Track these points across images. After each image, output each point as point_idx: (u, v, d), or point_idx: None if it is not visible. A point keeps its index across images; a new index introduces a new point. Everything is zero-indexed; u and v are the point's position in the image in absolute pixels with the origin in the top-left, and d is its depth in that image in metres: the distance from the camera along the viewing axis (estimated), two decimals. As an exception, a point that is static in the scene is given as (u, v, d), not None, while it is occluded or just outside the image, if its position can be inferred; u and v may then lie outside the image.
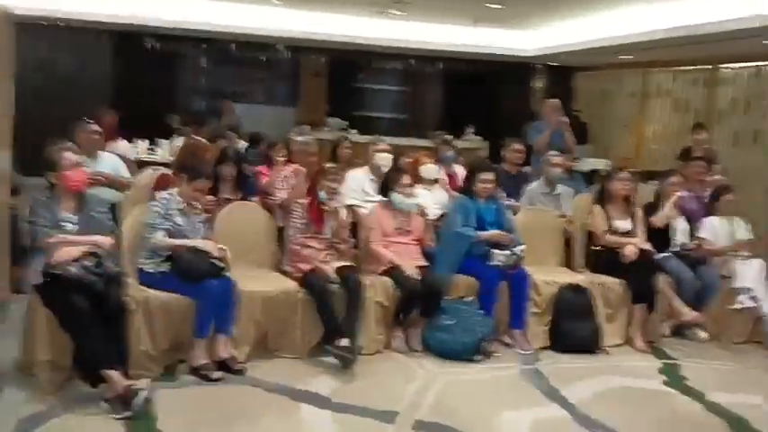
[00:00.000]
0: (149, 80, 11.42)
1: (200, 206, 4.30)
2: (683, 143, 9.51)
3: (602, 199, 5.25)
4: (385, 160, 5.73)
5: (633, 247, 4.96)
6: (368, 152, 6.09)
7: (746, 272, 5.06)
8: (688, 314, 4.91)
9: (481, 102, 12.32)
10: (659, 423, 3.74)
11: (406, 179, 4.77)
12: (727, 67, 9.10)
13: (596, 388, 4.16)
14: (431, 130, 12.35)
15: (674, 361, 4.70)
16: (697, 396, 4.08)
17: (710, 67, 9.37)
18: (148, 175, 6.05)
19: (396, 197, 4.75)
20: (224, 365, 3.98)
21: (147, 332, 3.92)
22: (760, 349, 5.01)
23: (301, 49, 11.55)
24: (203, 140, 5.88)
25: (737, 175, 8.46)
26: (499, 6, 8.41)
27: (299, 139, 5.60)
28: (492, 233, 4.74)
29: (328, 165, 4.81)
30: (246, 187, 5.20)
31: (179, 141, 8.58)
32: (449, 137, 11.44)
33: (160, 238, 4.03)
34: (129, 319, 3.74)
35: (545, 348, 4.77)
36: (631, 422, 3.70)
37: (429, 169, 5.51)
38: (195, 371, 3.94)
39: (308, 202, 4.60)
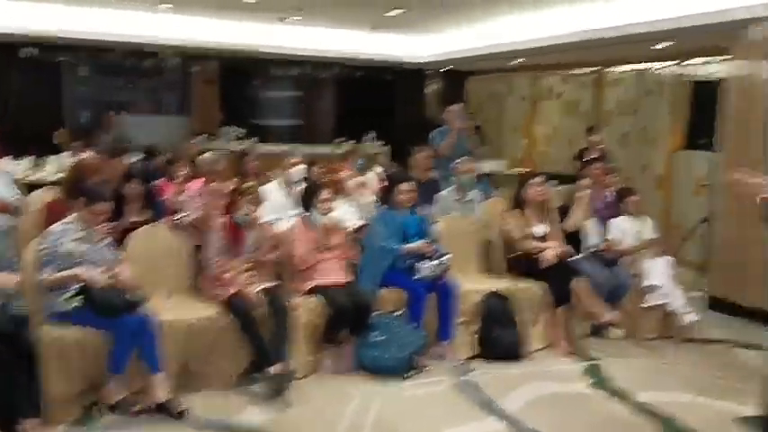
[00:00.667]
0: (28, 92, 10.68)
1: (102, 231, 3.99)
2: (575, 145, 9.93)
3: (519, 204, 5.33)
4: (300, 173, 5.59)
5: (552, 251, 5.07)
6: (268, 162, 5.98)
7: (655, 269, 5.27)
8: (606, 314, 5.07)
9: (378, 107, 12.35)
10: (593, 427, 3.80)
11: (325, 194, 4.63)
12: (613, 70, 9.55)
13: (528, 396, 4.18)
14: (328, 137, 12.29)
15: (597, 361, 4.82)
16: (625, 397, 4.18)
17: (598, 69, 9.81)
18: (39, 196, 5.63)
19: (314, 214, 4.60)
20: (164, 409, 3.70)
21: (63, 373, 3.60)
22: (671, 344, 5.23)
23: (192, 57, 11.12)
24: (92, 158, 5.46)
25: (629, 174, 8.92)
26: (396, 13, 8.43)
27: (206, 156, 5.31)
28: (416, 245, 4.70)
29: (247, 183, 4.58)
30: (155, 207, 4.90)
31: (67, 158, 8.05)
32: (348, 142, 11.46)
33: (44, 276, 3.69)
34: (41, 362, 3.40)
35: (473, 357, 4.77)
36: (566, 428, 3.76)
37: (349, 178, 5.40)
38: (113, 408, 3.67)
39: (224, 222, 4.38)
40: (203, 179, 5.34)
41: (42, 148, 8.42)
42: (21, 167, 7.66)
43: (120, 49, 10.47)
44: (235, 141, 11.51)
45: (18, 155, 7.62)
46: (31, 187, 6.14)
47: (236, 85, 12.26)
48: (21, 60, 10.07)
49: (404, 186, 4.79)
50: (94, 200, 3.87)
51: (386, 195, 4.89)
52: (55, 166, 7.68)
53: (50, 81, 11.06)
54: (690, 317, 5.19)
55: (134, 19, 9.44)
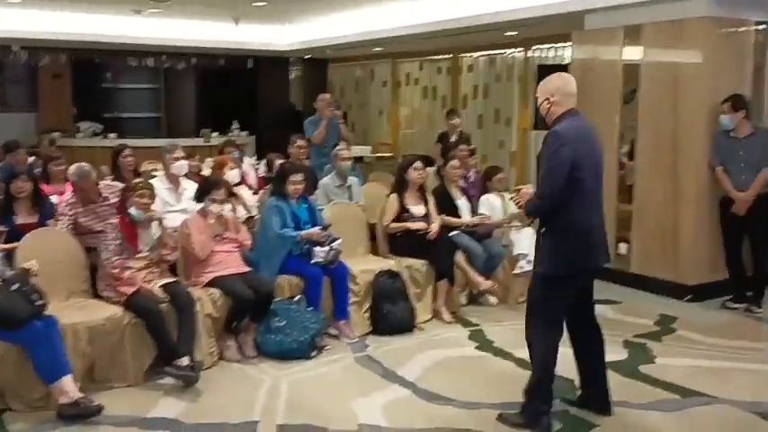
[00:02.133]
0: None
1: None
2: (436, 127, 10.49)
3: (399, 188, 5.67)
4: (182, 168, 5.58)
5: (435, 225, 5.45)
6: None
7: (522, 239, 5.82)
8: (483, 283, 5.55)
9: (240, 96, 12.31)
10: (487, 383, 4.23)
11: (217, 195, 4.69)
12: (467, 56, 10.16)
13: (424, 363, 4.56)
14: (190, 129, 12.09)
15: (477, 327, 5.30)
16: (507, 356, 4.66)
17: (452, 56, 10.39)
18: None
19: (210, 206, 4.67)
20: (79, 407, 3.68)
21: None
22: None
23: (39, 50, 10.52)
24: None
25: (485, 154, 9.59)
26: (261, 4, 8.49)
27: (75, 167, 5.03)
28: (311, 231, 4.91)
29: (135, 180, 4.57)
30: (44, 208, 4.75)
31: None
32: (214, 133, 11.36)
33: None
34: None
35: (368, 334, 5.08)
36: (463, 388, 4.13)
37: (233, 174, 5.49)
38: (65, 415, 3.65)
39: (119, 221, 4.37)
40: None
41: None
42: None
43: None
44: (92, 137, 11.08)
45: None
46: None
47: (89, 78, 11.75)
48: None
49: (295, 177, 4.97)
50: None
51: (277, 186, 5.04)
52: None
53: None
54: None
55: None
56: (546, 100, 3.49)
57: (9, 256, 4.14)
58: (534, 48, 8.92)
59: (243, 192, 5.86)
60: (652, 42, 6.21)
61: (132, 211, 4.35)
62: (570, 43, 7.21)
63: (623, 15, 6.37)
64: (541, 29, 7.90)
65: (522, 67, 9.13)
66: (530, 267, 5.67)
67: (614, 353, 4.68)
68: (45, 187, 5.48)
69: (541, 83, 3.59)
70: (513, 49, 9.30)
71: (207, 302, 4.45)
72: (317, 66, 12.67)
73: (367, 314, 5.14)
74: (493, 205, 5.99)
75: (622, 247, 6.56)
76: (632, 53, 6.39)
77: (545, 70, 7.93)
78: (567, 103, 3.46)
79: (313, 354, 4.61)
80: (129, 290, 4.21)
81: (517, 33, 8.43)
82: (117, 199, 4.68)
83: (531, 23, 7.47)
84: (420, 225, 5.44)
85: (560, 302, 3.52)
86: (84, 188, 4.75)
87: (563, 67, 7.37)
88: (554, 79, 3.55)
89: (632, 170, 6.57)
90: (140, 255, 4.38)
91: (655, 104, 6.19)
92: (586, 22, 6.81)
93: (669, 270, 6.10)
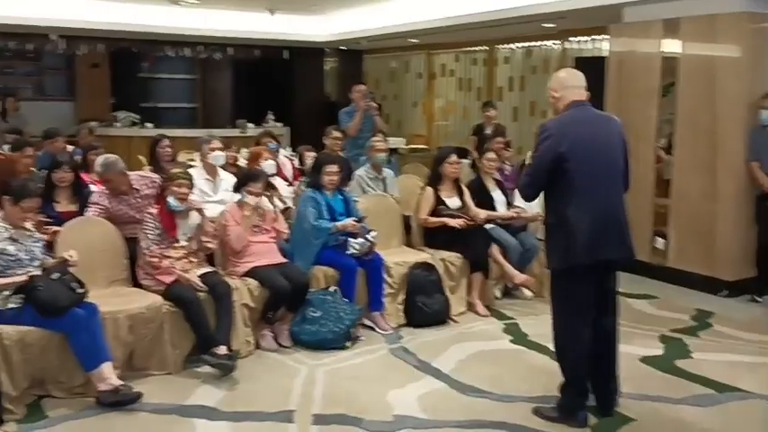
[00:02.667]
0: None
1: (32, 228, 3.96)
2: (471, 119, 10.44)
3: (434, 180, 5.65)
4: (220, 159, 5.64)
5: (462, 221, 5.42)
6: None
7: (558, 234, 5.77)
8: (518, 276, 5.52)
9: (276, 87, 12.36)
10: (522, 376, 4.21)
11: (254, 188, 4.71)
12: (503, 48, 10.07)
13: (458, 356, 4.56)
14: (225, 119, 12.19)
15: (512, 320, 5.28)
16: (542, 349, 4.63)
17: (488, 48, 10.31)
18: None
19: (246, 197, 4.71)
20: (119, 394, 3.74)
21: (5, 372, 3.58)
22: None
23: (77, 39, 10.68)
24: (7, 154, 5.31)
25: (522, 145, 9.51)
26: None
27: (101, 158, 5.05)
28: (345, 223, 4.92)
29: (174, 170, 4.61)
30: (83, 197, 4.84)
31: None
32: (250, 124, 11.45)
33: None
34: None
35: (402, 326, 5.09)
36: (498, 381, 4.13)
37: (268, 165, 5.53)
38: (103, 401, 3.72)
39: (157, 210, 4.43)
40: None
41: None
42: None
43: (-1, 32, 9.93)
44: (130, 127, 11.22)
45: None
46: None
47: (127, 68, 11.90)
48: None
49: (329, 168, 4.98)
50: (23, 197, 3.82)
51: (313, 177, 5.06)
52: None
53: None
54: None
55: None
56: (551, 96, 3.54)
57: (50, 244, 4.21)
58: (571, 40, 8.81)
59: (278, 183, 5.91)
60: (690, 36, 6.11)
61: (171, 200, 4.40)
62: (608, 36, 7.10)
63: (662, 9, 6.29)
64: (579, 21, 7.80)
65: (559, 59, 9.02)
66: (566, 261, 5.70)
67: (651, 347, 4.69)
68: (84, 176, 5.58)
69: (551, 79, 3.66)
70: (550, 41, 9.20)
71: (244, 292, 4.50)
72: (352, 57, 12.66)
73: (401, 306, 5.15)
74: (528, 198, 5.93)
75: (659, 242, 6.48)
76: (670, 46, 6.28)
77: (582, 62, 7.91)
78: (570, 96, 3.46)
79: (348, 344, 4.64)
80: (168, 279, 4.27)
81: (555, 25, 8.34)
82: (150, 190, 4.75)
83: (569, 15, 7.38)
84: (458, 222, 5.39)
85: (576, 296, 3.45)
86: (111, 179, 4.76)
87: (600, 60, 7.29)
88: (559, 73, 3.62)
89: (669, 164, 6.47)
90: (179, 244, 4.43)
91: (692, 98, 6.10)
92: (624, 15, 6.73)
93: (706, 265, 6.02)
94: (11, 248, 3.77)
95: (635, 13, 6.55)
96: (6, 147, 7.07)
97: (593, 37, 8.46)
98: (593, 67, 7.30)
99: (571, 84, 3.49)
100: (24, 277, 3.69)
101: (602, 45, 8.24)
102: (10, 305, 3.71)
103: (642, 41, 6.48)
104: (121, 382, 3.78)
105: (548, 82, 3.62)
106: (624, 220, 3.48)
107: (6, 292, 3.72)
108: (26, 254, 3.83)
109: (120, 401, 3.71)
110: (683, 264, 6.22)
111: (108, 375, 3.76)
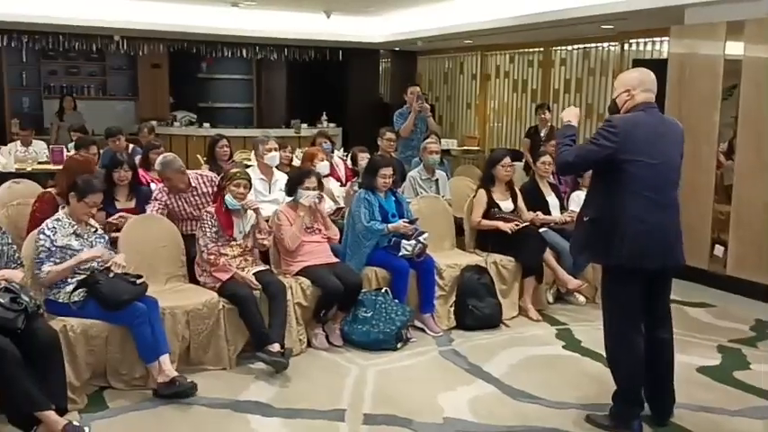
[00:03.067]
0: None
1: (94, 222, 4.09)
2: (524, 122, 10.35)
3: (486, 183, 5.62)
4: (274, 159, 5.73)
5: (513, 224, 5.36)
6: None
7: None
8: (572, 282, 5.45)
9: (330, 88, 12.47)
10: (574, 385, 4.15)
11: (310, 182, 4.79)
12: (559, 49, 9.95)
13: (510, 360, 4.53)
14: (280, 120, 12.37)
15: (565, 326, 5.22)
16: (595, 356, 4.56)
17: (543, 49, 10.20)
18: (10, 190, 5.63)
19: (304, 193, 4.76)
20: (175, 385, 3.85)
21: (69, 363, 3.70)
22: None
23: (139, 40, 10.99)
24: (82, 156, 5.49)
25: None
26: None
27: (160, 157, 5.21)
28: (398, 224, 4.93)
29: (233, 169, 4.70)
30: (140, 194, 4.99)
31: (19, 148, 7.94)
32: (303, 125, 11.58)
33: (46, 271, 3.81)
34: (61, 353, 3.51)
35: (453, 328, 5.08)
36: (550, 387, 4.08)
37: (322, 166, 5.59)
38: (161, 393, 3.83)
39: (216, 209, 4.53)
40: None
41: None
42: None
43: (62, 32, 10.27)
44: (188, 126, 11.48)
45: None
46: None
47: (185, 68, 12.18)
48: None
49: (384, 171, 5.01)
50: (87, 193, 3.95)
51: (367, 178, 5.09)
52: (8, 157, 7.56)
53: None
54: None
55: (79, 2, 9.27)
56: (626, 92, 3.44)
57: (114, 240, 4.35)
58: (630, 41, 8.64)
59: (331, 184, 5.97)
60: (754, 38, 5.91)
61: (229, 199, 4.49)
62: (668, 38, 6.95)
63: (725, 10, 6.12)
64: (639, 22, 7.65)
65: (618, 61, 8.85)
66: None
67: (708, 357, 4.59)
68: (145, 174, 5.74)
69: (622, 75, 3.65)
70: (608, 43, 9.04)
71: (297, 291, 4.56)
72: (406, 58, 12.68)
73: (452, 308, 5.14)
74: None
75: (718, 249, 6.30)
76: (734, 48, 6.11)
77: (641, 65, 7.72)
78: (642, 97, 3.41)
79: (399, 345, 4.66)
80: (224, 276, 4.36)
81: (613, 27, 8.20)
82: (208, 188, 4.86)
83: (630, 17, 7.25)
84: (510, 226, 5.35)
85: (621, 298, 3.42)
86: (169, 177, 4.90)
87: (660, 62, 7.14)
88: (635, 73, 3.57)
89: (730, 169, 6.29)
90: (235, 242, 4.52)
91: (755, 102, 5.91)
92: (687, 17, 6.57)
93: (766, 274, 5.83)
94: (75, 243, 3.91)
95: (697, 15, 6.40)
96: (71, 144, 7.36)
97: (652, 39, 8.28)
98: (652, 70, 7.13)
99: (645, 85, 3.44)
100: (73, 262, 3.84)
101: (662, 47, 8.06)
102: (74, 299, 3.85)
103: (705, 43, 6.32)
104: (177, 374, 3.88)
105: (621, 79, 3.57)
106: (675, 229, 3.41)
107: (70, 287, 3.86)
108: (87, 247, 3.95)
109: (177, 393, 3.81)
110: (742, 272, 6.04)
111: (166, 367, 3.87)
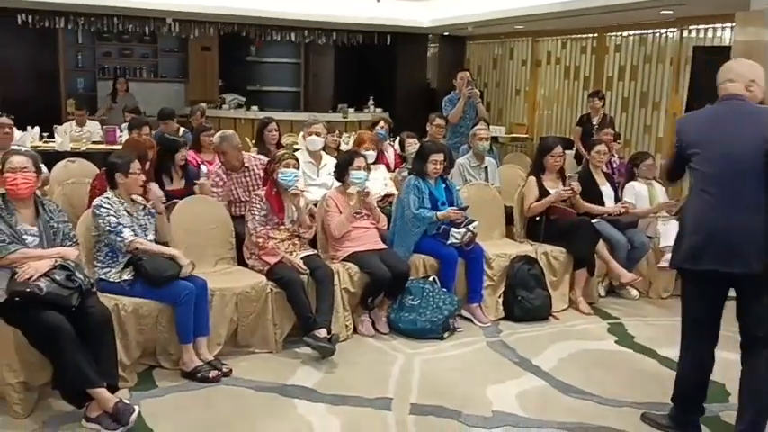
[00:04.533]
0: (22, 59, 10.62)
1: (141, 200, 4.09)
2: (576, 109, 10.11)
3: (537, 170, 5.50)
4: (317, 143, 5.69)
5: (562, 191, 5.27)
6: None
7: (669, 231, 5.47)
8: (626, 275, 5.30)
9: (377, 73, 12.39)
10: (627, 382, 4.03)
11: (360, 162, 4.75)
12: (614, 35, 9.67)
13: (560, 354, 4.42)
14: (327, 104, 12.34)
15: (617, 320, 5.08)
16: (650, 353, 4.44)
17: (597, 35, 9.92)
18: (66, 169, 5.72)
19: (354, 173, 4.69)
20: (212, 368, 3.89)
21: (120, 341, 3.72)
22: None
23: (189, 23, 11.05)
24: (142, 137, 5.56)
25: (630, 138, 9.15)
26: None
27: (220, 132, 5.30)
28: (448, 212, 4.84)
29: (282, 151, 4.68)
30: (190, 175, 5.02)
31: (74, 128, 8.08)
32: (350, 109, 11.54)
33: (132, 237, 3.83)
34: (113, 331, 3.54)
35: (501, 319, 4.99)
36: (602, 384, 3.97)
37: (369, 155, 5.51)
38: (191, 375, 3.85)
39: (266, 192, 4.50)
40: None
41: (42, 116, 8.44)
42: (27, 138, 7.56)
43: (117, 15, 10.40)
44: (236, 109, 11.54)
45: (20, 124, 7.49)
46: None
47: (235, 51, 12.22)
48: (18, 27, 9.97)
49: (434, 157, 4.92)
50: (128, 165, 3.94)
51: (417, 165, 5.01)
52: (65, 137, 7.68)
53: (48, 48, 11.00)
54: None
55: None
56: (753, 85, 3.22)
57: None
58: (690, 28, 8.33)
59: (380, 170, 5.90)
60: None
61: (281, 176, 4.40)
62: (732, 24, 6.67)
63: (797, -6, 5.83)
64: (701, 7, 7.36)
65: (676, 48, 8.56)
66: (676, 261, 5.42)
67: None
68: (196, 156, 5.77)
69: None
70: (666, 29, 8.74)
71: (345, 276, 4.52)
72: (455, 43, 12.50)
73: (500, 299, 5.05)
74: (639, 193, 5.70)
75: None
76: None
77: (702, 52, 7.48)
78: (723, 90, 3.21)
79: (446, 334, 4.59)
80: (273, 260, 4.34)
81: (672, 12, 7.91)
82: (259, 171, 4.85)
83: (690, 2, 6.98)
84: (561, 194, 5.25)
85: (687, 303, 3.32)
86: (226, 151, 4.97)
87: (723, 49, 6.87)
88: (726, 65, 3.32)
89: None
90: (283, 226, 4.50)
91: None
92: (753, 2, 6.28)
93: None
94: (126, 220, 3.92)
95: (765, 0, 6.10)
96: (124, 125, 7.44)
97: (714, 25, 7.96)
98: (714, 58, 6.89)
99: (727, 76, 3.22)
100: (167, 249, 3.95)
101: (725, 34, 7.75)
102: (124, 277, 3.88)
103: (772, 30, 6.04)
104: (212, 358, 3.94)
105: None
106: (746, 230, 3.05)
107: (120, 266, 3.89)
108: (138, 224, 3.97)
109: (207, 378, 3.83)
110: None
111: (202, 350, 3.92)
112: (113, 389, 3.40)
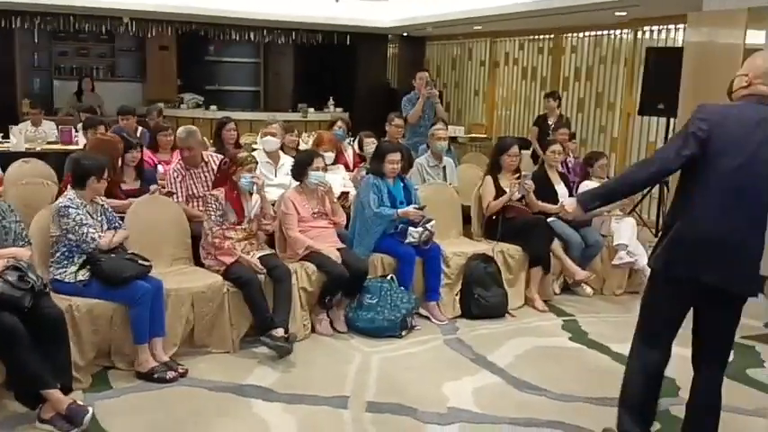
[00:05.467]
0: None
1: (101, 199, 4.05)
2: (533, 110, 10.25)
3: (493, 170, 5.57)
4: (271, 144, 5.68)
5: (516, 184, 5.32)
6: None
7: (622, 230, 5.63)
8: (580, 273, 5.40)
9: (337, 73, 12.39)
10: (580, 377, 4.11)
11: (318, 162, 4.76)
12: (570, 36, 9.83)
13: (515, 351, 4.48)
14: (286, 103, 12.31)
15: (572, 317, 5.17)
16: (603, 349, 4.53)
17: (554, 36, 10.08)
18: (20, 169, 5.62)
19: (313, 174, 4.70)
20: (168, 369, 3.85)
21: (74, 342, 3.67)
22: (636, 299, 5.59)
23: (146, 22, 10.91)
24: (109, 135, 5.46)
25: (586, 138, 9.31)
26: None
27: (183, 127, 5.30)
28: (407, 210, 4.87)
29: (242, 154, 4.65)
30: (145, 176, 4.96)
31: (30, 128, 7.93)
32: (310, 109, 11.52)
33: (98, 236, 3.81)
34: (66, 332, 3.49)
35: (458, 317, 5.04)
36: (556, 379, 4.04)
37: (327, 157, 5.51)
38: (146, 376, 3.81)
39: (225, 193, 4.47)
40: (179, 153, 5.32)
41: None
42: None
43: (73, 14, 10.22)
44: (195, 109, 11.44)
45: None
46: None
47: (193, 50, 12.11)
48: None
49: (392, 156, 4.95)
50: (104, 169, 3.92)
51: (375, 164, 5.03)
52: (19, 137, 7.52)
53: (3, 47, 10.76)
54: (654, 273, 5.53)
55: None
56: (745, 76, 2.90)
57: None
58: (644, 29, 8.52)
59: (338, 170, 5.91)
60: (776, 26, 5.80)
61: (243, 180, 4.38)
62: (685, 25, 6.84)
63: (746, -4, 5.99)
64: (654, 9, 7.54)
65: (631, 49, 8.74)
66: (629, 259, 5.55)
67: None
68: (153, 156, 5.71)
69: (754, 55, 3.01)
70: (620, 30, 8.92)
71: (302, 276, 4.52)
72: (415, 43, 12.57)
73: (458, 297, 5.10)
74: (593, 193, 5.78)
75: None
76: (755, 37, 5.99)
77: (655, 53, 7.65)
78: (761, 90, 2.84)
79: (403, 333, 4.62)
80: (229, 259, 4.32)
81: (626, 13, 8.08)
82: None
83: (644, 3, 7.14)
84: (513, 191, 5.32)
85: (657, 310, 2.98)
86: (193, 147, 4.97)
87: (675, 51, 7.04)
88: (760, 59, 2.92)
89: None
90: (240, 226, 4.48)
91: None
92: (705, 3, 6.44)
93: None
94: (89, 220, 3.86)
95: (717, 1, 6.25)
96: (79, 125, 7.33)
97: (667, 26, 8.16)
98: (667, 59, 7.08)
99: (761, 74, 2.84)
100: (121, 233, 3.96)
101: (678, 35, 7.95)
102: (79, 278, 3.82)
103: (724, 31, 6.18)
104: (168, 359, 3.91)
105: (749, 60, 2.95)
106: (751, 248, 2.82)
107: (75, 266, 3.83)
108: (97, 225, 3.92)
109: (162, 378, 3.80)
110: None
111: (157, 351, 3.89)
112: (67, 390, 3.37)
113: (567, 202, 3.14)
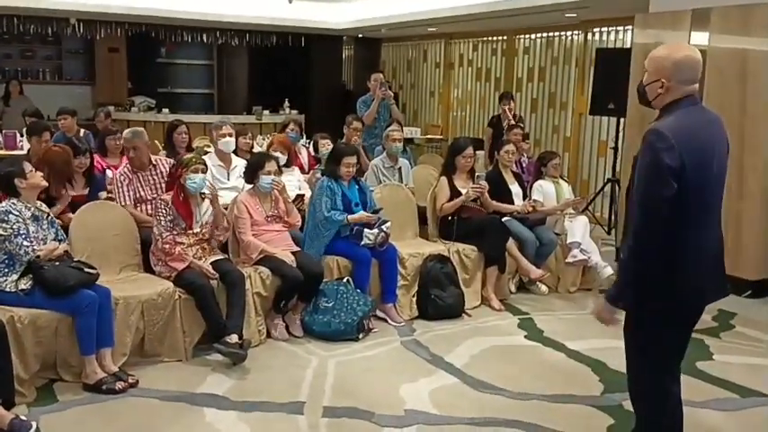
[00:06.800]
0: None
1: (45, 207, 3.93)
2: (488, 110, 10.33)
3: (448, 171, 5.57)
4: (229, 145, 5.60)
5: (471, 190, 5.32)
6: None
7: (575, 228, 5.68)
8: (535, 272, 5.44)
9: (292, 75, 12.30)
10: (536, 375, 4.12)
11: (271, 166, 4.70)
12: (523, 37, 9.93)
13: (471, 350, 4.48)
14: (241, 106, 12.17)
15: (527, 315, 5.20)
16: (557, 346, 4.56)
17: (507, 38, 10.17)
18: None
19: (265, 178, 4.64)
20: (113, 380, 3.74)
21: (16, 355, 3.54)
22: (590, 296, 5.68)
23: (94, 23, 10.66)
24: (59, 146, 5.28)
25: (540, 138, 9.41)
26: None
27: (130, 129, 5.18)
28: (360, 215, 4.85)
29: (187, 156, 4.56)
30: (94, 182, 4.83)
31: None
32: (265, 111, 11.40)
33: (31, 250, 3.66)
34: (8, 344, 3.36)
35: (415, 318, 5.03)
36: (512, 378, 4.05)
37: (280, 157, 5.44)
38: (95, 387, 3.70)
39: (173, 198, 4.38)
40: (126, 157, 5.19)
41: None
42: None
43: (18, 15, 9.93)
44: (146, 112, 11.22)
45: None
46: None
47: (144, 52, 11.88)
48: None
49: (347, 159, 4.90)
50: (22, 171, 3.76)
51: (330, 166, 4.98)
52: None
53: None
54: (606, 270, 5.60)
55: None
56: (659, 83, 2.54)
57: (66, 228, 4.18)
58: (594, 30, 8.66)
59: (293, 173, 5.85)
60: (721, 28, 5.91)
61: (190, 182, 4.28)
62: (632, 26, 6.95)
63: (691, -2, 6.11)
64: (602, 11, 7.65)
65: (581, 50, 8.87)
66: (583, 257, 5.61)
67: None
68: (101, 161, 5.56)
69: (652, 55, 2.59)
70: (571, 32, 9.05)
71: (256, 280, 4.45)
72: (370, 45, 12.56)
73: (415, 298, 5.08)
74: (546, 192, 5.85)
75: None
76: (699, 39, 6.12)
77: (604, 54, 7.75)
78: (682, 90, 2.53)
79: (360, 336, 4.58)
80: (180, 266, 4.22)
81: (576, 15, 8.20)
82: (167, 169, 4.73)
83: (592, 5, 7.24)
84: (470, 194, 5.32)
85: (665, 343, 2.69)
86: (139, 147, 4.84)
87: (624, 52, 7.15)
88: (663, 52, 2.55)
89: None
90: (191, 231, 4.39)
91: (722, 94, 5.91)
92: (651, 5, 6.55)
93: (729, 264, 5.81)
94: (32, 228, 3.74)
95: (662, 3, 6.36)
96: (24, 129, 7.09)
97: (616, 28, 8.30)
98: (616, 60, 7.18)
99: (685, 74, 2.52)
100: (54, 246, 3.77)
101: (626, 36, 8.09)
102: (21, 287, 3.69)
103: (669, 33, 6.30)
104: (117, 369, 3.81)
105: (652, 62, 2.58)
106: (722, 248, 2.71)
107: (16, 275, 3.70)
108: (42, 233, 3.80)
109: (111, 390, 3.69)
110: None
111: (106, 362, 3.78)
112: (9, 405, 3.27)
113: (597, 310, 2.76)
